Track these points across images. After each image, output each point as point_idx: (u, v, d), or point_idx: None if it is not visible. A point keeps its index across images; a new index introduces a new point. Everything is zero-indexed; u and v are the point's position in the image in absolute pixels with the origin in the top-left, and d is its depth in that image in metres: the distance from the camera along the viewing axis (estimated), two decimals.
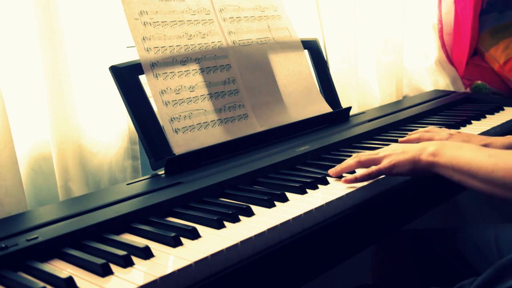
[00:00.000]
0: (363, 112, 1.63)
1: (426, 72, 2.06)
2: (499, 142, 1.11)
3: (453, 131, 1.18)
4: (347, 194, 0.96)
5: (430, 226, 1.39)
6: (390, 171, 0.99)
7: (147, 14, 1.15)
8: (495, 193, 0.87)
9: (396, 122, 1.47)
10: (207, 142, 1.17)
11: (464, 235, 1.24)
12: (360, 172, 1.03)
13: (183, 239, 0.79)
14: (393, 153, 1.00)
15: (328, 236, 0.92)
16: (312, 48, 1.48)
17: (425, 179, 1.10)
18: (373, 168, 1.00)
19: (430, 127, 1.23)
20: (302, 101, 1.39)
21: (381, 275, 1.42)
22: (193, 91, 1.18)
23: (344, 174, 1.05)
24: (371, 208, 1.00)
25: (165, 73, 1.15)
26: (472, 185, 0.90)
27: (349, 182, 1.00)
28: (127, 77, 1.11)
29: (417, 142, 1.20)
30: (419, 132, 1.21)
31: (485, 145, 1.10)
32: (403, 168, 0.98)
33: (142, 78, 1.13)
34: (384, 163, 0.99)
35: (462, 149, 0.93)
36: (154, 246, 0.78)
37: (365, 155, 1.04)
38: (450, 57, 2.13)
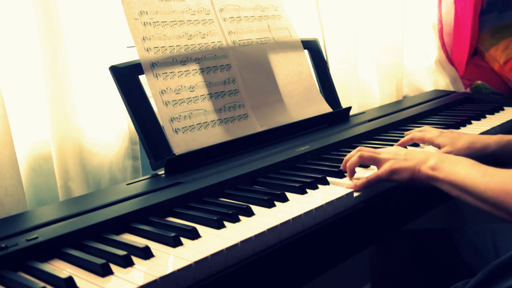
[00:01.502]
0: (363, 112, 1.63)
1: (426, 72, 2.06)
2: (489, 139, 1.12)
3: (445, 130, 1.19)
4: (347, 194, 0.96)
5: (430, 226, 1.39)
6: (389, 177, 0.99)
7: (147, 14, 1.15)
8: (488, 210, 0.89)
9: (396, 122, 1.47)
10: (207, 142, 1.17)
11: (463, 236, 1.24)
12: (360, 175, 1.03)
13: (183, 239, 0.79)
14: (395, 158, 1.00)
15: (328, 236, 0.92)
16: (312, 48, 1.48)
17: None
18: (372, 175, 1.00)
19: (424, 127, 1.24)
20: (302, 101, 1.39)
21: (380, 275, 1.42)
22: (193, 91, 1.18)
23: (346, 174, 1.06)
24: (371, 208, 1.00)
25: (165, 73, 1.15)
26: (467, 201, 0.92)
27: (353, 188, 1.00)
28: (127, 77, 1.11)
29: (412, 144, 1.22)
30: (412, 132, 1.23)
31: (473, 143, 1.11)
32: (402, 176, 0.98)
33: (142, 78, 1.13)
34: (384, 168, 0.99)
35: (459, 164, 0.94)
36: (154, 246, 0.78)
37: (367, 151, 1.04)
38: (450, 57, 2.13)
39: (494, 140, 1.12)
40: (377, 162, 1.02)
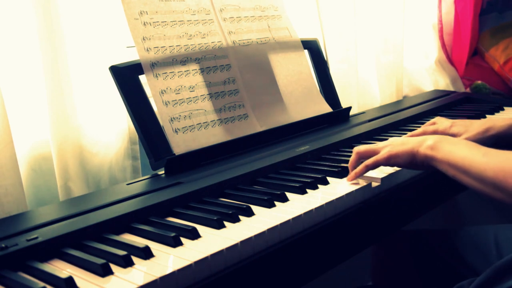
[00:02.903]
0: (363, 112, 1.63)
1: (426, 72, 2.06)
2: (503, 122, 1.12)
3: (456, 120, 1.19)
4: (347, 194, 0.96)
5: (430, 226, 1.39)
6: (388, 161, 0.99)
7: (147, 14, 1.15)
8: (485, 192, 0.88)
9: (396, 122, 1.47)
10: (207, 142, 1.17)
11: (464, 235, 1.24)
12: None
13: (183, 239, 0.79)
14: (392, 144, 1.01)
15: (328, 236, 0.92)
16: (312, 48, 1.48)
17: (425, 180, 1.10)
18: (370, 160, 1.00)
19: (436, 118, 1.24)
20: (302, 101, 1.39)
21: (381, 275, 1.42)
22: (193, 91, 1.18)
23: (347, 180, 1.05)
24: (371, 208, 1.00)
25: (165, 73, 1.15)
26: (465, 181, 0.91)
27: (351, 179, 1.01)
28: (127, 77, 1.11)
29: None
30: (424, 126, 1.23)
31: (487, 129, 1.12)
32: (401, 159, 0.98)
33: (142, 78, 1.13)
34: (382, 153, 1.00)
35: (458, 144, 0.94)
36: (154, 246, 0.78)
37: (363, 147, 1.05)
38: (450, 57, 2.13)
39: (507, 123, 1.12)
40: (376, 152, 1.02)
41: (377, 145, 1.04)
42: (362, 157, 1.04)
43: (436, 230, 1.31)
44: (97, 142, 1.16)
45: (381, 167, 1.04)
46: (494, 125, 1.12)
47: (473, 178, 0.89)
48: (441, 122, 1.20)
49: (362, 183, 1.01)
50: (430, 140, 0.96)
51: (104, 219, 0.84)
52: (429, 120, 1.53)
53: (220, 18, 1.29)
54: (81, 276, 0.70)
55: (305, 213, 0.88)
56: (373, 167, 1.00)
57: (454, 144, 0.94)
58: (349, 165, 1.05)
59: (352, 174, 1.01)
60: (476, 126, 1.13)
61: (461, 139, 1.04)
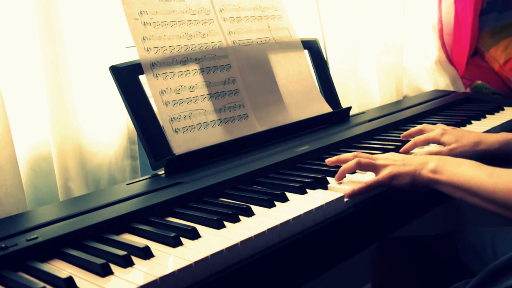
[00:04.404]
0: (363, 112, 1.63)
1: (426, 72, 2.06)
2: (493, 138, 1.12)
3: (447, 127, 1.18)
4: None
5: (429, 229, 1.39)
6: (389, 182, 0.98)
7: (147, 14, 1.15)
8: (495, 211, 0.89)
9: (396, 122, 1.47)
10: (207, 142, 1.17)
11: (462, 239, 1.24)
12: (358, 178, 1.03)
13: (183, 239, 0.79)
14: (394, 163, 0.99)
15: (328, 236, 0.92)
16: (312, 48, 1.48)
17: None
18: (372, 180, 0.98)
19: (423, 125, 1.23)
20: (302, 101, 1.39)
21: (380, 278, 1.42)
22: (193, 91, 1.18)
23: (344, 181, 1.04)
24: (371, 208, 0.99)
25: (165, 73, 1.15)
26: (473, 202, 0.91)
27: (350, 197, 0.97)
28: (127, 77, 1.11)
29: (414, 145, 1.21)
30: (411, 132, 1.22)
31: (477, 143, 1.11)
32: (402, 181, 0.97)
33: (142, 78, 1.13)
34: (384, 174, 0.98)
35: (462, 166, 0.93)
36: (154, 246, 0.78)
37: (364, 157, 1.03)
38: (450, 57, 2.13)
39: (497, 139, 1.12)
40: (375, 169, 1.01)
41: (377, 159, 1.02)
42: (362, 169, 1.02)
43: (435, 233, 1.31)
44: (97, 142, 1.16)
45: None
46: (485, 140, 1.12)
47: (482, 199, 0.89)
48: (430, 129, 1.20)
49: (362, 183, 1.00)
50: (432, 162, 0.96)
51: (104, 219, 0.84)
52: (428, 120, 1.54)
53: (220, 18, 1.29)
54: (81, 276, 0.70)
55: (305, 213, 0.88)
56: (375, 189, 0.99)
57: (457, 166, 0.94)
58: (343, 168, 1.02)
59: (350, 192, 0.97)
60: (467, 139, 1.13)
61: (461, 159, 1.03)
